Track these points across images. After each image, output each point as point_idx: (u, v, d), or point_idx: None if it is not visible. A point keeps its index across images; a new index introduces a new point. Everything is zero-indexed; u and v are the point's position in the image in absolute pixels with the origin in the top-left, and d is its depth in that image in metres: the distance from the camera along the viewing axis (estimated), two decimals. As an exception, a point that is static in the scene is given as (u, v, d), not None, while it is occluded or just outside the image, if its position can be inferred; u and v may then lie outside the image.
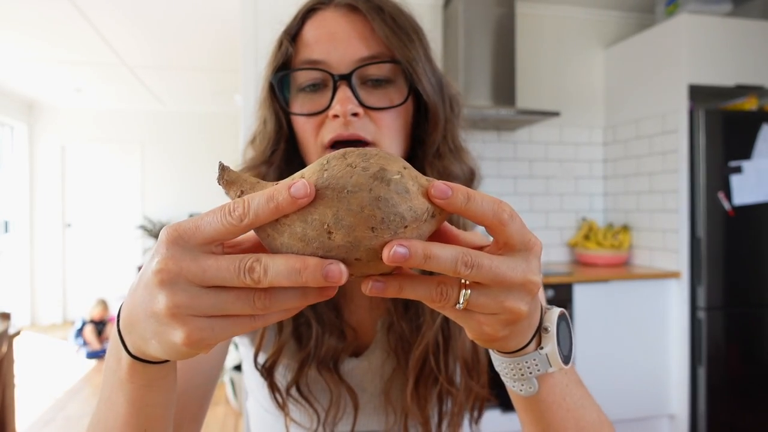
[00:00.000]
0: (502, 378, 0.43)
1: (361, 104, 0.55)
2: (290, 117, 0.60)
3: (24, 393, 3.23)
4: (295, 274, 0.28)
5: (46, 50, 3.56)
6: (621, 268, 2.61)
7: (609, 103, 2.97)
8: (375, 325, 0.64)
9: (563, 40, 2.94)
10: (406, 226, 0.29)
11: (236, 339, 0.67)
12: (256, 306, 0.29)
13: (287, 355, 0.61)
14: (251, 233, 0.35)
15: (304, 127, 0.58)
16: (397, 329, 0.60)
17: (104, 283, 5.35)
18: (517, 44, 2.68)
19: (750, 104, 2.51)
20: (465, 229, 0.63)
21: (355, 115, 0.55)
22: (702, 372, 2.36)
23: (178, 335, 0.29)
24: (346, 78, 0.55)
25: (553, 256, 2.94)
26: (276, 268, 0.28)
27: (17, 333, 1.92)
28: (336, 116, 0.55)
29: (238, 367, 2.93)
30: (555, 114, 2.47)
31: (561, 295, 2.32)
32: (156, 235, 5.24)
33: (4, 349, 1.83)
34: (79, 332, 4.18)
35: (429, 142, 0.60)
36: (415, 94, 0.59)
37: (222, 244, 0.31)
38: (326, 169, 0.30)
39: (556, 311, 0.41)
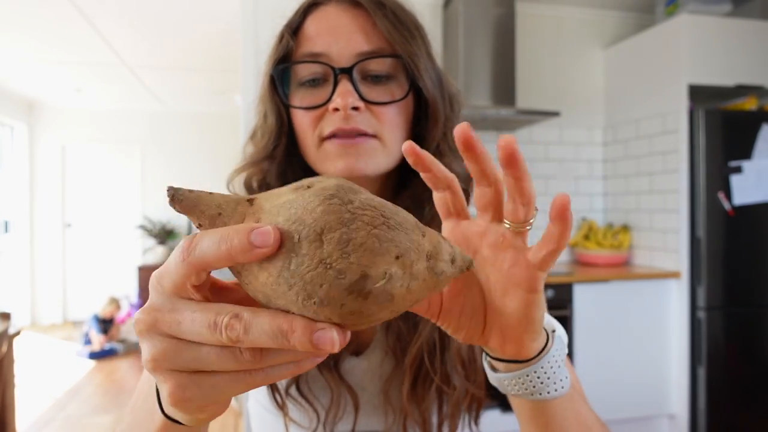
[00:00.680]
0: (504, 391, 0.41)
1: (362, 98, 0.55)
2: (291, 111, 0.60)
3: (24, 393, 3.23)
4: (281, 337, 0.24)
5: (46, 50, 3.55)
6: (621, 268, 2.61)
7: (609, 103, 2.97)
8: None
9: (563, 40, 2.94)
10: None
11: None
12: (245, 360, 0.26)
13: None
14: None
15: (302, 120, 0.58)
16: (395, 328, 0.60)
17: (104, 283, 5.35)
18: (517, 44, 2.68)
19: (750, 104, 2.51)
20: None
21: (355, 109, 0.54)
22: (702, 372, 2.36)
23: (164, 391, 0.27)
24: (347, 72, 0.55)
25: (553, 256, 2.93)
26: (259, 328, 0.24)
27: (17, 333, 1.92)
28: (336, 109, 0.54)
29: (238, 367, 2.93)
30: (555, 114, 2.47)
31: (561, 295, 2.32)
32: (156, 235, 5.24)
33: (4, 349, 1.83)
34: (88, 333, 4.16)
35: (429, 139, 0.59)
36: (415, 91, 0.58)
37: (200, 288, 0.27)
38: (297, 239, 0.24)
39: (550, 327, 0.40)
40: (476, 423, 0.63)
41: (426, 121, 0.60)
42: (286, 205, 0.25)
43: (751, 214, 2.39)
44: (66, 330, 4.97)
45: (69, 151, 5.35)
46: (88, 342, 4.11)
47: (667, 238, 2.53)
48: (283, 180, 0.61)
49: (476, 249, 0.37)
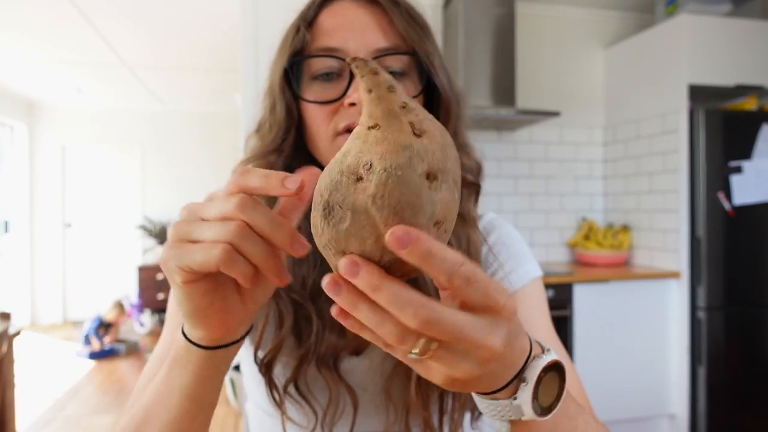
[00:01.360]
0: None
1: None
2: (300, 105, 0.59)
3: (24, 393, 3.23)
4: (274, 224, 0.32)
5: (47, 50, 3.56)
6: (621, 268, 2.61)
7: (609, 103, 2.97)
8: None
9: (563, 40, 2.94)
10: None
11: None
12: (222, 231, 0.32)
13: (286, 352, 0.60)
14: None
15: (315, 114, 0.57)
16: None
17: (104, 283, 5.35)
18: (517, 44, 2.67)
19: (750, 104, 2.51)
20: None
21: None
22: (702, 372, 2.36)
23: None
24: None
25: (553, 256, 2.94)
26: (262, 209, 0.33)
27: (17, 333, 1.92)
28: (352, 104, 0.54)
29: (238, 368, 2.93)
30: (555, 114, 2.47)
31: (561, 295, 2.32)
32: (156, 235, 5.24)
33: (4, 349, 1.83)
34: (89, 334, 4.15)
35: None
36: (426, 89, 0.59)
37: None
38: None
39: (544, 362, 0.35)
40: (477, 420, 0.63)
41: (438, 118, 0.60)
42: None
43: (751, 214, 2.39)
44: (66, 330, 4.97)
45: (69, 151, 5.35)
46: (87, 342, 4.11)
47: (667, 238, 2.53)
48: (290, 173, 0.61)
49: None
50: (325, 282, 0.28)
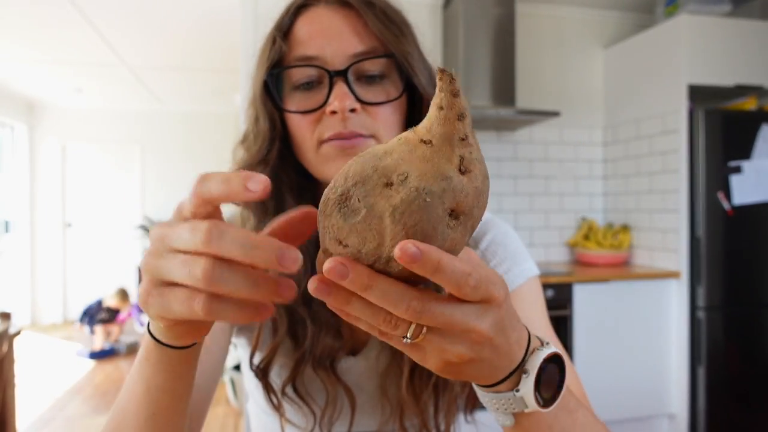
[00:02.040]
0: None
1: (358, 100, 0.55)
2: (284, 115, 0.59)
3: (24, 393, 3.23)
4: (249, 247, 0.27)
5: (47, 51, 3.56)
6: (621, 268, 2.61)
7: (609, 103, 2.97)
8: None
9: (563, 41, 2.94)
10: None
11: (234, 340, 0.67)
12: (196, 275, 0.28)
13: (283, 355, 0.60)
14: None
15: (299, 123, 0.57)
16: None
17: (104, 283, 5.35)
18: (517, 44, 2.68)
19: (750, 104, 2.52)
20: None
21: (352, 110, 0.54)
22: (702, 372, 2.36)
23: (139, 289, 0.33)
24: (342, 74, 0.54)
25: (553, 256, 2.94)
26: (233, 234, 0.27)
27: (17, 333, 1.92)
28: (334, 112, 0.54)
29: (238, 367, 2.93)
30: (555, 114, 2.47)
31: (561, 295, 2.32)
32: (156, 235, 5.23)
33: (5, 349, 1.83)
34: (87, 313, 4.11)
35: None
36: (408, 89, 0.58)
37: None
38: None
39: (544, 354, 0.36)
40: (471, 414, 0.64)
41: (420, 118, 0.60)
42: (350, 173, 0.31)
43: (750, 214, 2.39)
44: (66, 330, 4.97)
45: (69, 151, 5.35)
46: (86, 319, 4.05)
47: (666, 238, 2.53)
48: (277, 183, 0.60)
49: None
50: (312, 286, 0.28)
